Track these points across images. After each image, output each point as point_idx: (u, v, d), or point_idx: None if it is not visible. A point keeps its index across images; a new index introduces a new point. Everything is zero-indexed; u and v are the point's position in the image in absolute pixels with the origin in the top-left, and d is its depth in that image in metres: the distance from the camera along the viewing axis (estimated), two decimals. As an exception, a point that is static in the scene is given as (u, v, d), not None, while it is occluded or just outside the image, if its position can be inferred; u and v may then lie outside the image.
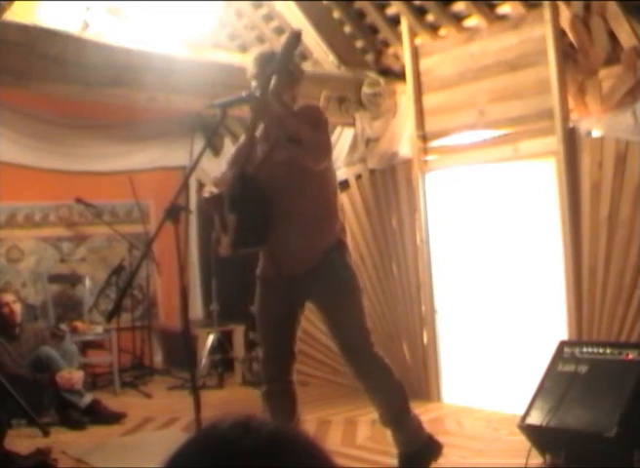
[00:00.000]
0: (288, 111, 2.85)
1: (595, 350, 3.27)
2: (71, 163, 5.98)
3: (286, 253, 2.92)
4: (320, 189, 2.89)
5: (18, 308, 4.73)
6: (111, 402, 4.68)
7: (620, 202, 3.74)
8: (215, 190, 2.99)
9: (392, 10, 4.72)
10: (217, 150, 6.46)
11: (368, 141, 5.00)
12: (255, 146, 2.97)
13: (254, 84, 2.89)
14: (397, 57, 4.94)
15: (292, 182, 2.85)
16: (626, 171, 3.72)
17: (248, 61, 2.98)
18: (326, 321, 2.98)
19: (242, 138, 3.17)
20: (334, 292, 2.92)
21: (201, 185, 6.42)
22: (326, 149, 2.84)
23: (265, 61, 2.87)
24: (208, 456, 0.69)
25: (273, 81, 2.78)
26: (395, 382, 3.00)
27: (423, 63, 4.72)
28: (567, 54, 3.95)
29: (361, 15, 4.92)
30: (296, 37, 2.76)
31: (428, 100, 4.71)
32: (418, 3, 4.53)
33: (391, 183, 4.94)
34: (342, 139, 5.15)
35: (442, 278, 4.66)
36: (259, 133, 3.00)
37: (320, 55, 4.97)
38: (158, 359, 6.32)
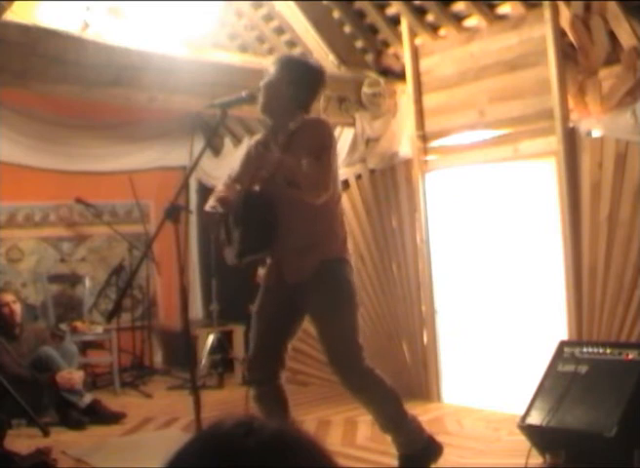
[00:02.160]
0: (285, 156, 2.84)
1: (595, 350, 3.27)
2: (71, 163, 5.98)
3: (285, 263, 2.95)
4: (316, 207, 2.85)
5: (18, 308, 4.73)
6: (111, 402, 4.68)
7: (620, 202, 3.74)
8: (218, 207, 2.98)
9: (392, 10, 4.72)
10: (217, 150, 6.46)
11: (368, 141, 5.00)
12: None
13: (262, 81, 2.93)
14: (397, 57, 4.94)
15: (290, 199, 2.85)
16: (626, 171, 3.72)
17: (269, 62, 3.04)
18: (317, 334, 2.96)
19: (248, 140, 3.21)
20: (324, 306, 2.91)
21: (201, 185, 6.42)
22: (324, 186, 2.78)
23: (280, 66, 2.93)
24: (211, 456, 0.70)
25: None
26: (387, 392, 2.96)
27: (423, 63, 4.72)
28: (567, 54, 3.95)
29: (361, 15, 4.92)
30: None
31: (428, 100, 4.71)
32: (418, 3, 4.53)
33: (391, 183, 4.94)
34: (342, 139, 5.14)
35: (442, 278, 4.66)
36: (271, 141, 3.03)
37: (320, 55, 4.96)
38: (158, 359, 6.32)
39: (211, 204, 2.98)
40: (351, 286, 2.96)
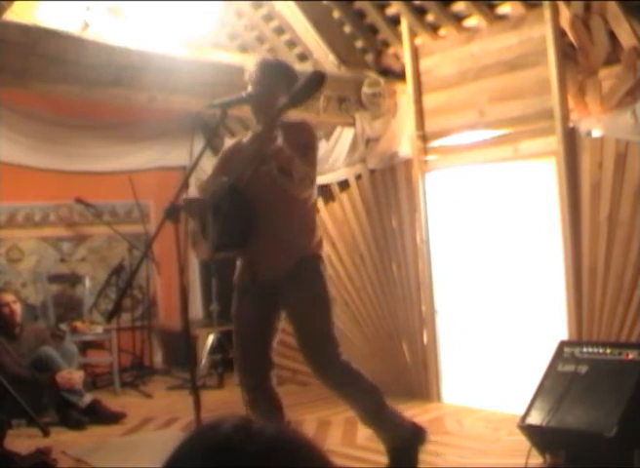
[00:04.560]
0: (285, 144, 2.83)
1: (595, 350, 3.27)
2: (71, 163, 5.98)
3: (261, 261, 2.94)
4: (297, 204, 2.89)
5: (18, 308, 4.73)
6: (111, 402, 4.69)
7: (620, 202, 3.74)
8: (196, 195, 3.00)
9: (392, 10, 4.72)
10: (217, 150, 6.44)
11: (368, 141, 5.00)
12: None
13: (250, 88, 2.90)
14: (397, 57, 4.94)
15: (271, 195, 2.87)
16: (626, 171, 3.72)
17: (249, 64, 2.99)
18: (295, 331, 2.95)
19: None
20: (303, 304, 2.92)
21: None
22: (311, 180, 2.87)
23: (269, 69, 2.90)
24: (210, 457, 0.70)
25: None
26: (366, 386, 2.96)
27: (423, 63, 4.72)
28: (567, 54, 3.95)
29: (361, 15, 4.92)
30: (317, 80, 2.76)
31: (428, 100, 4.71)
32: (418, 3, 4.53)
33: (391, 183, 4.94)
34: (342, 139, 5.14)
35: (442, 278, 4.66)
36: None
37: (320, 55, 4.97)
38: (158, 359, 6.32)
39: (193, 192, 3.00)
40: (326, 282, 2.98)
